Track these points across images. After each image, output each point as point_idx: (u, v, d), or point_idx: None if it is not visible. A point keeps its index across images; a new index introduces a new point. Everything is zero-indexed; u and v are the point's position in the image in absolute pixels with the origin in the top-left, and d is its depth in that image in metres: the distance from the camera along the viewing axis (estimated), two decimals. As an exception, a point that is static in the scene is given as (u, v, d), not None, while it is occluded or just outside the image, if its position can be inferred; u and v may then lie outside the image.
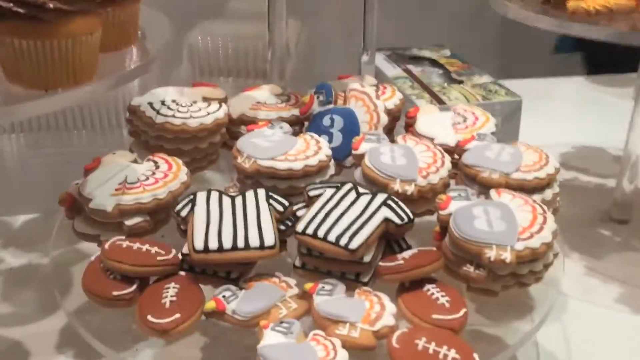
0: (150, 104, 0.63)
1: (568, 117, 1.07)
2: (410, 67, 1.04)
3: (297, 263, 0.53)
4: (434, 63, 1.06)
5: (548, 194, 0.59)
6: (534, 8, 0.65)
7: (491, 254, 0.49)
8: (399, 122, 0.74)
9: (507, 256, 0.49)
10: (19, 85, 0.48)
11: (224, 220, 0.52)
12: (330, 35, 1.17)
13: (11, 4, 0.43)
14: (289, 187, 0.60)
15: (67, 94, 0.48)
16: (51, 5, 0.44)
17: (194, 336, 0.54)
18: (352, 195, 0.56)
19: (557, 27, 0.61)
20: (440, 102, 0.90)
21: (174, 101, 0.65)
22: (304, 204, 0.57)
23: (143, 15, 0.65)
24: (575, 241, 0.76)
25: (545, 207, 0.54)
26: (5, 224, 0.75)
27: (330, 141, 0.66)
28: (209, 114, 0.64)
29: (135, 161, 0.60)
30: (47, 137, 0.77)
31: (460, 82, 0.97)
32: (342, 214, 0.53)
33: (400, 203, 0.55)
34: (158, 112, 0.62)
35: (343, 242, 0.50)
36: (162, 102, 0.64)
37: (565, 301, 0.67)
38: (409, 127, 0.70)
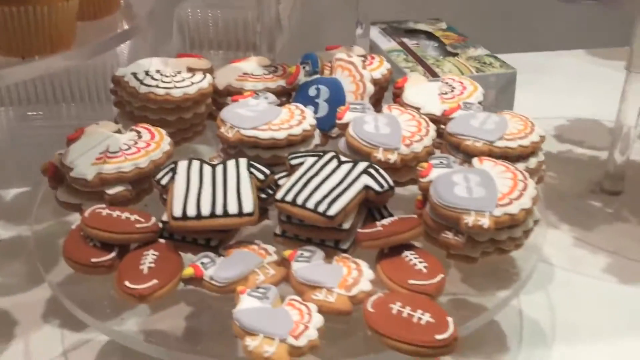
0: (134, 74, 0.63)
1: (565, 90, 1.06)
2: (406, 40, 1.03)
3: (277, 231, 0.53)
4: (429, 36, 1.05)
5: (532, 162, 0.59)
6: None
7: (469, 219, 0.49)
8: (388, 93, 0.73)
9: (485, 222, 0.48)
10: (-3, 52, 0.48)
11: (203, 188, 0.52)
12: (326, 8, 1.16)
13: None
14: (273, 156, 0.60)
15: (44, 62, 0.48)
16: (25, -28, 0.44)
17: (179, 306, 0.55)
18: (334, 163, 0.55)
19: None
20: (433, 74, 0.90)
21: (158, 71, 0.65)
22: (286, 172, 0.57)
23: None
24: (566, 212, 0.76)
25: (526, 174, 0.54)
26: (-5, 197, 0.76)
27: (316, 111, 0.66)
28: (192, 84, 0.64)
29: (118, 131, 0.60)
30: (36, 110, 0.77)
31: (455, 54, 0.96)
32: (322, 182, 0.53)
33: (381, 171, 0.55)
34: (142, 82, 0.62)
35: (321, 208, 0.50)
36: (146, 73, 0.64)
37: (552, 271, 0.67)
38: (397, 97, 0.70)
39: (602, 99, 0.95)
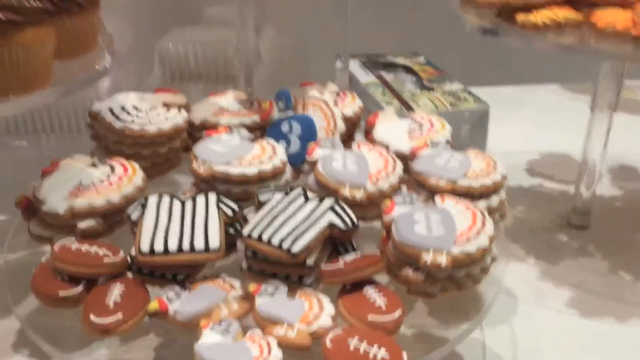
0: (111, 109, 0.65)
1: (538, 124, 1.09)
2: (384, 74, 1.05)
3: (244, 265, 0.54)
4: (407, 70, 1.08)
5: (494, 200, 0.61)
6: (488, 19, 0.67)
7: (428, 257, 0.50)
8: (361, 127, 0.76)
9: (443, 260, 0.50)
10: (-28, 91, 0.50)
11: (172, 223, 0.53)
12: (307, 41, 1.19)
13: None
14: (243, 191, 0.62)
15: (19, 101, 0.50)
16: (2, 17, 0.46)
17: (148, 337, 0.56)
18: (300, 199, 0.57)
19: (504, 40, 0.63)
20: (409, 108, 0.92)
21: (134, 107, 0.66)
22: (254, 208, 0.59)
23: (108, 22, 0.67)
24: (533, 246, 0.77)
25: (485, 213, 0.56)
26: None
27: (288, 147, 0.68)
28: (167, 119, 0.66)
29: (93, 164, 0.62)
30: (16, 139, 0.78)
31: (432, 89, 0.99)
32: (288, 218, 0.54)
33: (346, 208, 0.56)
34: (117, 118, 0.64)
35: (286, 245, 0.51)
36: (123, 108, 0.66)
37: (516, 304, 0.68)
38: (368, 134, 0.72)
39: (574, 133, 0.97)
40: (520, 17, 0.62)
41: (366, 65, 1.09)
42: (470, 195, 0.60)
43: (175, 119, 0.66)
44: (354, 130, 0.74)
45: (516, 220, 0.82)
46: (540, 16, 0.61)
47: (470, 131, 0.93)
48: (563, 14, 0.62)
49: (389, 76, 1.05)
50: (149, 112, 0.66)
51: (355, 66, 1.08)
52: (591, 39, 0.61)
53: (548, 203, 0.86)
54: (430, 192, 0.61)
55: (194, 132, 0.71)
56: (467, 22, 0.68)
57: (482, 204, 0.60)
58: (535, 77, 1.26)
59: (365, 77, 1.04)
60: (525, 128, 1.07)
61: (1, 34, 0.48)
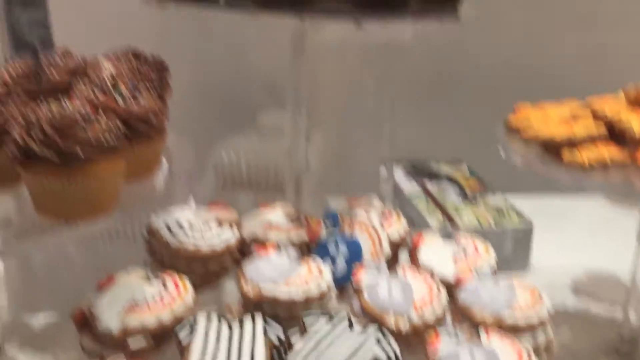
0: (167, 225, 0.68)
1: (583, 239, 1.07)
2: (427, 183, 1.07)
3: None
4: (451, 179, 1.09)
5: (541, 338, 0.60)
6: (534, 152, 0.68)
7: (473, 402, 0.50)
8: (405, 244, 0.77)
9: (489, 406, 0.50)
10: (44, 216, 0.53)
11: (219, 350, 0.55)
12: (353, 148, 1.22)
13: (47, 153, 0.49)
14: (290, 312, 0.63)
15: (85, 226, 0.53)
16: (80, 154, 0.50)
17: None
18: (345, 326, 0.58)
19: (549, 175, 0.64)
20: (452, 221, 0.93)
21: (189, 222, 0.69)
22: (299, 331, 0.59)
23: (171, 141, 0.71)
24: (579, 376, 0.76)
25: (532, 353, 0.55)
26: (25, 325, 0.79)
27: (334, 267, 0.69)
28: (220, 239, 0.68)
29: (147, 278, 0.64)
30: (74, 242, 0.82)
31: (475, 202, 1.00)
32: (333, 350, 0.55)
33: (391, 341, 0.57)
34: (173, 236, 0.67)
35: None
36: (178, 224, 0.68)
37: None
38: (412, 255, 0.73)
39: (621, 250, 0.96)
40: (567, 155, 0.63)
41: (410, 173, 1.11)
42: (515, 330, 0.60)
43: (227, 238, 0.69)
44: (399, 250, 0.75)
45: (560, 345, 0.80)
46: (586, 155, 0.62)
47: (514, 248, 0.93)
48: (609, 153, 0.63)
49: (432, 186, 1.06)
50: (203, 228, 0.69)
51: (399, 174, 1.10)
52: (637, 178, 0.62)
53: (594, 327, 0.84)
54: (474, 325, 0.61)
55: (244, 246, 0.73)
56: (514, 153, 0.70)
57: (527, 341, 0.59)
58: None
59: (409, 187, 1.06)
60: (571, 243, 1.05)
61: (76, 167, 0.51)
